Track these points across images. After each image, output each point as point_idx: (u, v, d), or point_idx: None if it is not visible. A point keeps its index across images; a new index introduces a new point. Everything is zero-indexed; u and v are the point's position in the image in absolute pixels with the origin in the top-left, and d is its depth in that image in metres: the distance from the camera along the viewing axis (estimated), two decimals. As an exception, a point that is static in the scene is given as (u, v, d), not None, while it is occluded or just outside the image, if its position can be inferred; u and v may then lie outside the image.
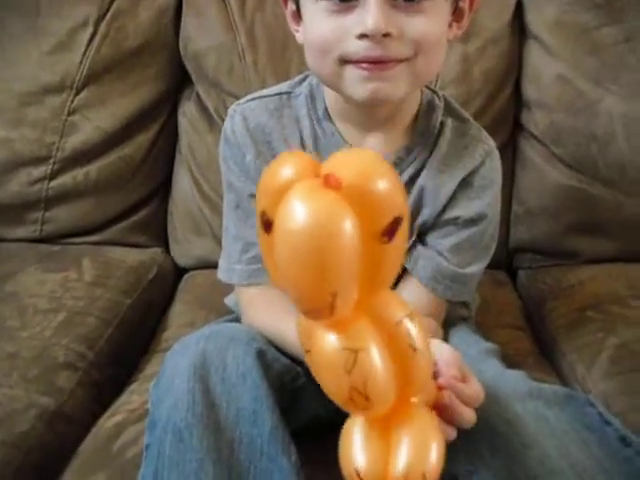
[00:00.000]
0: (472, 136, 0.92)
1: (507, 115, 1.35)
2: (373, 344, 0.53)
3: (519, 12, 1.35)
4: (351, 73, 0.80)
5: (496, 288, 1.28)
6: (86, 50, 1.35)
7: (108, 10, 1.37)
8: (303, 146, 0.91)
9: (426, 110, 0.91)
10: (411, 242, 0.92)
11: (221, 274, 0.96)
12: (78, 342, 1.06)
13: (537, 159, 1.34)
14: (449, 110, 0.93)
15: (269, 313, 0.87)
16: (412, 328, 0.55)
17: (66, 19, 1.37)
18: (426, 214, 0.91)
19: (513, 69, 1.35)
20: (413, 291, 0.90)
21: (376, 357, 0.53)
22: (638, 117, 1.27)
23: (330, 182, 0.48)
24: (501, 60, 1.33)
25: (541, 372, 1.05)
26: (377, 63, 0.78)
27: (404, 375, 0.55)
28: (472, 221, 0.90)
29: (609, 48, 1.29)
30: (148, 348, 1.15)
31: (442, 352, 0.70)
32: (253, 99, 0.94)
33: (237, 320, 0.96)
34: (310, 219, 0.47)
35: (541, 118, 1.32)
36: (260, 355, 0.77)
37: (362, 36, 0.77)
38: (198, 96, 1.39)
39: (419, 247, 0.92)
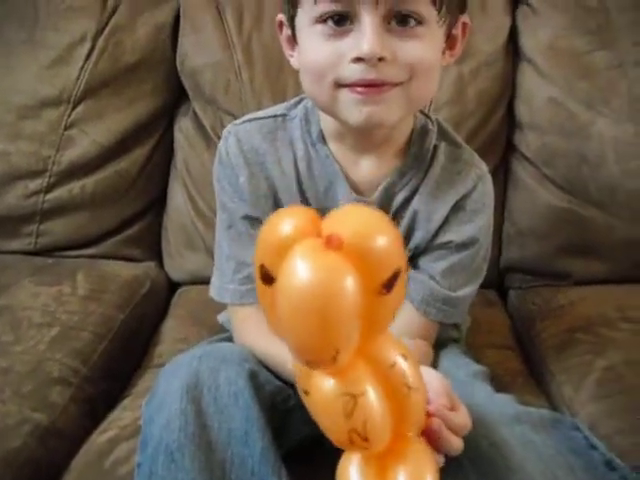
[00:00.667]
0: (465, 161, 0.93)
1: (500, 136, 1.37)
2: (371, 388, 0.54)
3: (513, 35, 1.37)
4: (346, 97, 0.81)
5: (487, 308, 1.30)
6: (84, 64, 1.37)
7: (106, 25, 1.38)
8: (296, 168, 0.91)
9: (419, 134, 0.92)
10: None
11: (213, 292, 0.97)
12: (72, 357, 1.07)
13: (529, 180, 1.35)
14: (442, 134, 0.94)
15: (261, 334, 0.87)
16: (406, 367, 0.57)
17: (64, 33, 1.38)
18: (418, 238, 0.92)
19: (507, 91, 1.37)
20: (405, 313, 0.91)
21: (374, 400, 0.54)
22: (628, 141, 1.29)
23: (332, 242, 0.50)
24: (495, 82, 1.35)
25: (530, 393, 1.06)
26: (371, 87, 0.79)
27: (400, 412, 0.57)
28: (464, 245, 0.92)
29: (601, 73, 1.31)
30: (141, 363, 1.16)
31: (432, 380, 0.70)
32: (248, 121, 0.95)
33: (230, 339, 0.97)
34: (313, 281, 0.49)
35: (533, 140, 1.34)
36: (252, 376, 0.78)
37: (357, 60, 0.78)
38: (194, 112, 1.40)
39: (411, 270, 0.93)
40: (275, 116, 0.94)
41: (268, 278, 0.52)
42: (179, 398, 0.74)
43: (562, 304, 1.25)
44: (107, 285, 1.28)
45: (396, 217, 0.92)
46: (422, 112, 0.96)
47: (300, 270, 0.49)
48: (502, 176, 1.37)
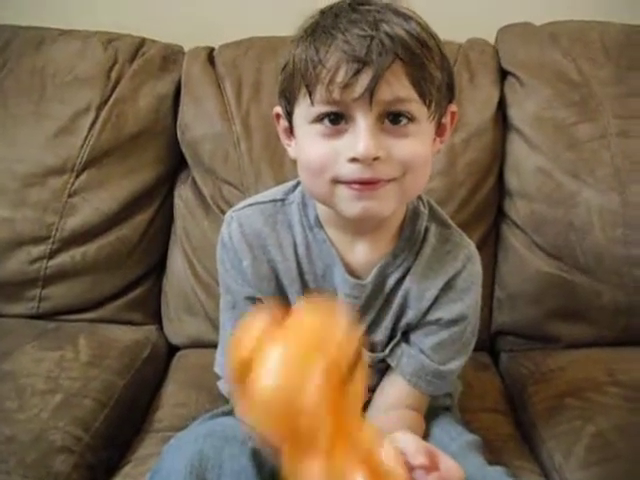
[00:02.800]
0: (454, 242, 0.96)
1: (491, 204, 1.41)
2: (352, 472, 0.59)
3: (502, 106, 1.42)
4: (343, 192, 0.83)
5: (479, 371, 1.32)
6: (88, 134, 1.40)
7: (110, 97, 1.42)
8: (296, 252, 0.94)
9: (411, 217, 0.95)
10: (395, 341, 0.97)
11: (218, 368, 1.00)
12: (74, 425, 1.08)
13: (519, 246, 1.39)
14: (433, 216, 0.97)
15: None
16: (384, 451, 0.61)
17: (69, 104, 1.42)
18: (410, 315, 0.96)
19: (496, 160, 1.41)
20: (396, 386, 0.96)
21: None
22: (613, 210, 1.32)
23: None
24: (485, 152, 1.39)
25: (521, 458, 1.09)
26: (367, 184, 0.82)
27: None
28: (453, 322, 0.95)
29: (585, 144, 1.35)
30: (140, 428, 1.18)
31: (407, 443, 0.73)
32: (249, 205, 0.98)
33: (232, 411, 0.98)
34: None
35: (522, 207, 1.38)
36: (254, 454, 0.80)
37: (353, 160, 0.81)
38: (194, 181, 1.44)
39: (403, 345, 0.97)
40: (274, 200, 0.97)
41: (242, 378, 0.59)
42: (183, 476, 0.76)
43: (552, 368, 1.28)
44: (108, 350, 1.29)
45: (389, 297, 0.95)
46: None
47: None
48: (493, 242, 1.42)
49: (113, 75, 1.44)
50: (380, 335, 0.97)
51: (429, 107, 0.83)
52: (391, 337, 0.97)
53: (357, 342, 0.60)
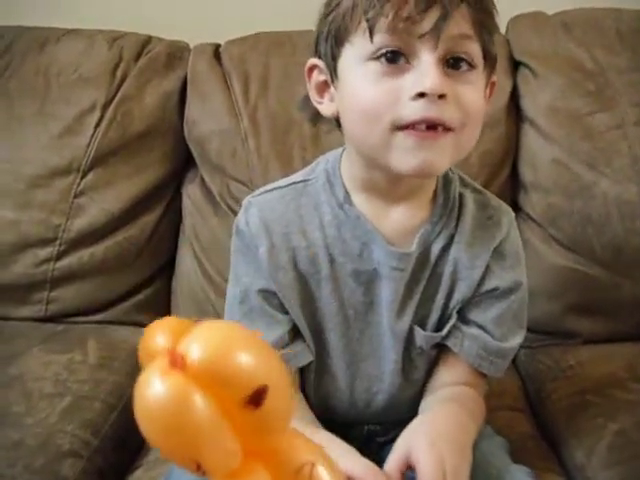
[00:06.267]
0: (493, 207, 0.93)
1: (505, 197, 1.35)
2: None
3: (515, 97, 1.39)
4: (402, 142, 0.77)
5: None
6: (93, 134, 1.39)
7: (115, 95, 1.41)
8: (324, 234, 0.89)
9: (443, 183, 0.91)
10: (452, 322, 0.92)
11: None
12: (83, 428, 1.06)
13: (535, 240, 1.36)
14: (464, 183, 0.94)
15: None
16: (315, 473, 0.52)
17: (74, 104, 1.41)
18: (463, 289, 0.91)
19: (510, 152, 1.38)
20: (457, 369, 0.93)
21: None
22: (632, 200, 1.29)
23: (176, 363, 0.49)
24: (498, 143, 1.36)
25: (541, 458, 1.06)
26: (429, 131, 0.76)
27: None
28: (510, 290, 0.92)
29: (602, 134, 1.32)
30: (151, 431, 1.16)
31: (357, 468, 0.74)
32: (267, 191, 0.93)
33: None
34: (154, 403, 0.48)
35: (538, 200, 1.35)
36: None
37: (419, 96, 0.75)
38: (202, 179, 1.42)
39: (462, 327, 0.93)
40: (294, 183, 0.92)
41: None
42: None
43: (571, 364, 1.25)
44: (117, 352, 1.27)
45: (436, 268, 0.91)
46: None
47: (143, 392, 0.49)
48: (508, 237, 1.38)
49: (118, 73, 1.43)
50: (434, 314, 0.92)
51: (486, 57, 0.81)
52: (443, 316, 0.93)
53: (265, 369, 0.50)
